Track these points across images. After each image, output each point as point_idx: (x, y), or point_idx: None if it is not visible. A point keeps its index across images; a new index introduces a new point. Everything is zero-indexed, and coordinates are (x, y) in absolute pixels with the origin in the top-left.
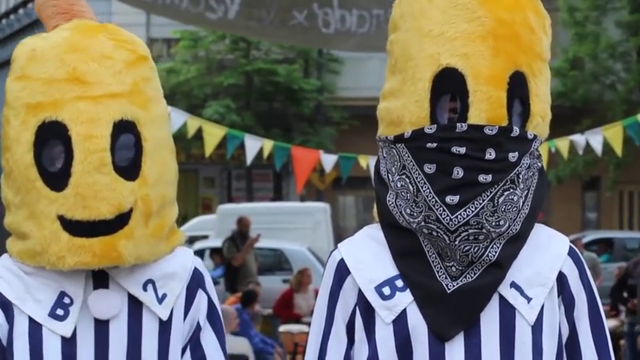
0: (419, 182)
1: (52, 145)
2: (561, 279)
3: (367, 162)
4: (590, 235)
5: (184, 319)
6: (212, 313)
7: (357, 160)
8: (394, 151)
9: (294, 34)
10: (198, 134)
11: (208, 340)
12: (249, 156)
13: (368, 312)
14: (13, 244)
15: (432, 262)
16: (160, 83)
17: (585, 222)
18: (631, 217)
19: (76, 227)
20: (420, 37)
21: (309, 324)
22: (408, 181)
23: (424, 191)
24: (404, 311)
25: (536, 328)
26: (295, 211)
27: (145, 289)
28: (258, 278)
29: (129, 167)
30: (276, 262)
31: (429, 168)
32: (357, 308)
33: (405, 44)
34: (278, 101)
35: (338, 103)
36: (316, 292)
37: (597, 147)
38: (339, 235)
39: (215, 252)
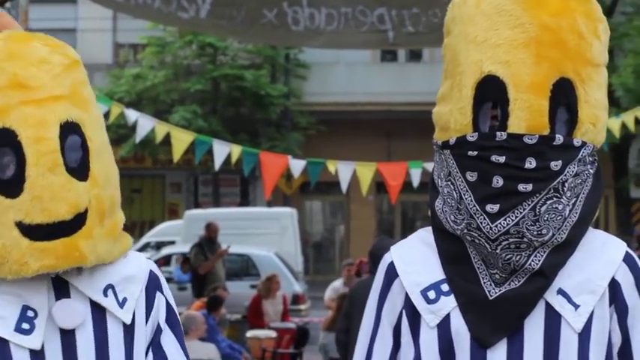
0: (462, 189)
1: (2, 153)
2: (614, 286)
3: (335, 167)
4: None
5: (146, 322)
6: (170, 316)
7: (325, 165)
8: (442, 157)
9: (264, 33)
10: (166, 140)
11: (169, 342)
12: (218, 161)
13: (414, 315)
14: None
15: (478, 268)
16: (127, 89)
17: None
18: (597, 222)
19: (35, 231)
20: (466, 43)
21: (276, 329)
22: (452, 187)
23: (466, 199)
24: (448, 315)
25: (584, 337)
26: (262, 217)
27: (105, 294)
28: (226, 284)
29: (79, 168)
30: (244, 267)
31: (471, 176)
32: (403, 311)
33: (455, 50)
34: (245, 107)
35: (305, 109)
36: (284, 299)
37: None
38: (306, 240)
39: (182, 258)
